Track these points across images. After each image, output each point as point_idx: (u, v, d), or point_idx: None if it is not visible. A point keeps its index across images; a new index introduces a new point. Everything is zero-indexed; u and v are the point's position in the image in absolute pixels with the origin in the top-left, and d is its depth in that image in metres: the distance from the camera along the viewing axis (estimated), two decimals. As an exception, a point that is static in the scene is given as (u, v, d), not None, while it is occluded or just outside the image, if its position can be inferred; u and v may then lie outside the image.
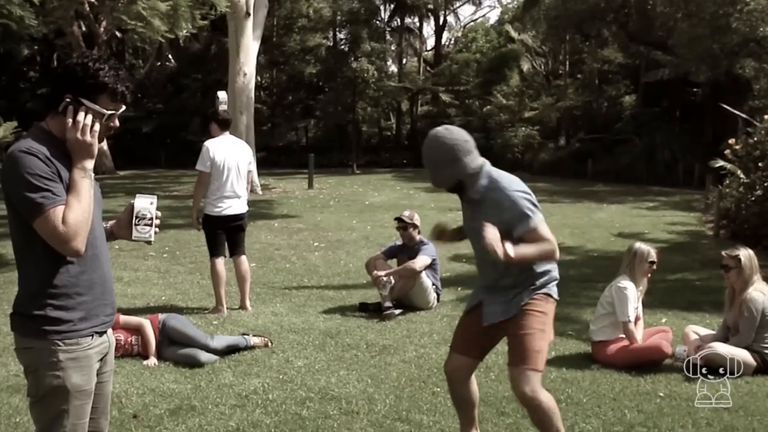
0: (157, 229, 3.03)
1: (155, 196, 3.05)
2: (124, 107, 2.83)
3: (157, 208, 3.04)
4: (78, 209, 2.63)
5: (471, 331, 4.08)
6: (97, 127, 2.71)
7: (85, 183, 2.68)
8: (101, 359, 2.92)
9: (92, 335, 2.82)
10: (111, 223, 3.07)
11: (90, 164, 2.72)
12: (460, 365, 4.11)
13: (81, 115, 2.68)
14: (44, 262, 2.70)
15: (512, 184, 3.78)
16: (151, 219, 2.99)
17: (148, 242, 3.05)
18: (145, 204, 2.99)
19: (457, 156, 3.70)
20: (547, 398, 3.80)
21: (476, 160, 3.77)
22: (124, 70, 2.83)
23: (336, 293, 8.88)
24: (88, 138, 2.68)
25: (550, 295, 3.93)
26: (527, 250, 3.65)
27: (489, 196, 3.77)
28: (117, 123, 2.83)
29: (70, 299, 2.74)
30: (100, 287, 2.85)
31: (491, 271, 3.91)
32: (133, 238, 3.00)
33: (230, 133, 7.95)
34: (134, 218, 2.98)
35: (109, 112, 2.76)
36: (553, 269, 3.97)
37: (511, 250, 3.55)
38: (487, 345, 4.17)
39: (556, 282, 3.99)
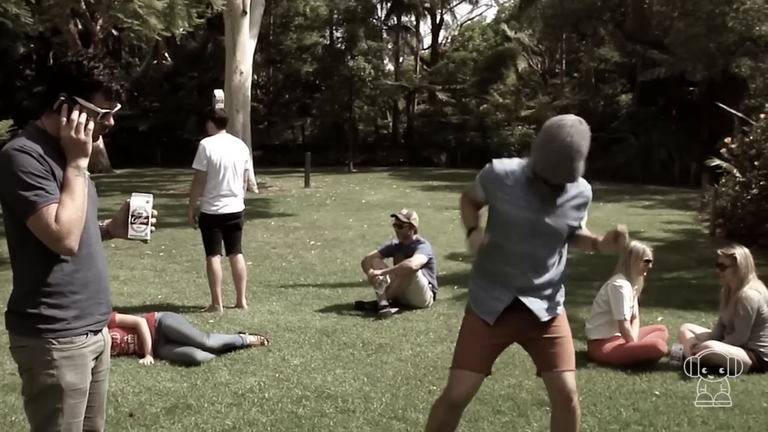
0: (153, 228, 3.03)
1: (151, 195, 3.06)
2: (119, 106, 2.84)
3: (154, 207, 3.04)
4: (71, 208, 2.63)
5: (495, 345, 3.74)
6: (91, 125, 2.72)
7: (79, 181, 2.69)
8: (96, 358, 2.93)
9: (87, 334, 2.83)
10: (107, 221, 3.07)
11: (84, 163, 2.72)
12: (475, 386, 3.74)
13: (75, 114, 2.68)
14: (38, 260, 2.70)
15: None
16: (147, 217, 2.99)
17: (144, 241, 3.05)
18: (141, 203, 2.99)
19: None
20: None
21: None
22: (119, 69, 2.83)
23: (332, 292, 8.88)
24: (82, 136, 2.69)
25: None
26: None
27: (580, 188, 3.68)
28: (112, 122, 2.84)
29: (65, 297, 2.75)
30: (95, 285, 2.85)
31: (539, 266, 3.65)
32: (129, 236, 3.00)
33: (227, 132, 7.96)
34: (130, 217, 2.98)
35: (104, 110, 2.76)
36: None
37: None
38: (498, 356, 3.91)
39: None
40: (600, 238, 3.63)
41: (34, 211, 2.59)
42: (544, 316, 3.67)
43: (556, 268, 3.72)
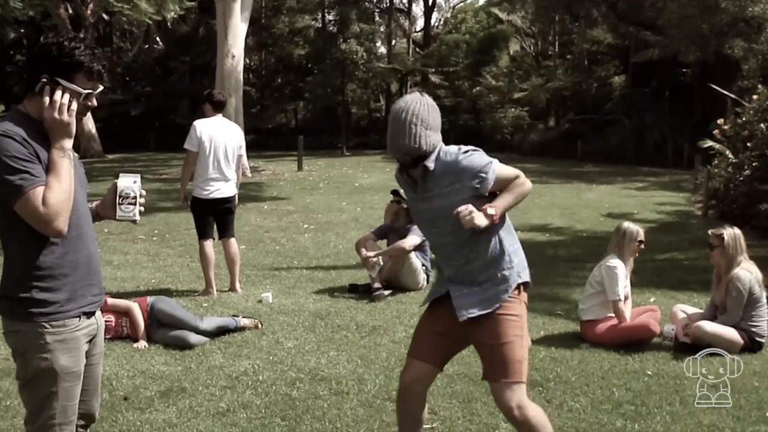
0: (142, 208, 3.00)
1: (138, 175, 3.03)
2: (102, 87, 2.82)
3: (147, 191, 3.02)
4: (58, 189, 2.62)
5: (435, 333, 3.59)
6: (74, 105, 2.70)
7: (65, 162, 2.67)
8: (90, 341, 2.93)
9: (79, 316, 2.83)
10: (96, 203, 3.06)
11: (68, 143, 2.70)
12: (421, 375, 3.60)
13: (57, 95, 2.66)
14: (28, 244, 2.70)
15: (457, 147, 3.43)
16: (135, 198, 2.97)
17: (134, 221, 3.02)
18: (129, 183, 2.97)
19: (438, 123, 3.40)
20: (535, 411, 3.41)
21: None
22: (100, 50, 2.81)
23: (326, 275, 8.89)
24: (65, 117, 2.67)
25: (521, 287, 3.49)
26: (505, 200, 3.37)
27: (443, 164, 3.36)
28: (95, 102, 2.82)
29: (56, 280, 2.75)
30: (85, 267, 2.85)
31: (455, 255, 3.47)
32: (117, 217, 2.98)
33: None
34: (118, 197, 2.96)
35: (86, 91, 2.74)
36: (519, 248, 3.57)
37: (491, 209, 3.28)
38: (450, 351, 3.69)
39: (525, 264, 3.58)
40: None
41: (20, 195, 2.58)
42: (463, 315, 3.42)
43: (478, 257, 3.44)
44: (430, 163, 3.38)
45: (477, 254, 3.44)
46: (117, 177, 3.00)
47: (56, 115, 2.65)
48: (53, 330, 2.74)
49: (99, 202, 3.06)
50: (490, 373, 3.45)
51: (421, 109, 3.33)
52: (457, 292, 3.48)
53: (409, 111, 3.33)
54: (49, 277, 2.73)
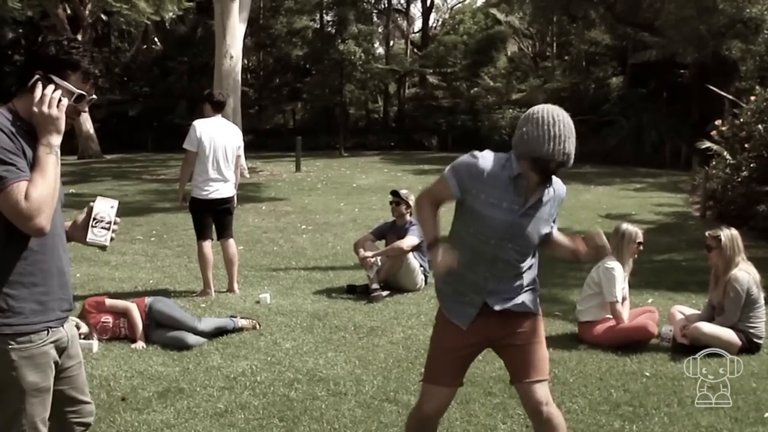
0: (113, 235, 2.91)
1: (117, 201, 2.95)
2: (94, 97, 2.78)
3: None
4: (42, 186, 2.55)
5: (460, 356, 3.53)
6: (65, 101, 2.65)
7: (51, 159, 2.60)
8: (62, 353, 2.84)
9: (47, 330, 2.73)
10: (67, 223, 2.94)
11: (56, 140, 2.63)
12: (446, 402, 3.57)
13: (49, 89, 2.62)
14: (3, 249, 2.61)
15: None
16: (110, 223, 2.89)
17: (103, 247, 2.93)
18: (105, 207, 2.90)
19: None
20: (557, 410, 3.50)
21: None
22: (98, 54, 2.78)
23: (323, 275, 8.89)
24: (54, 111, 2.61)
25: None
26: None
27: (557, 191, 3.45)
28: (86, 108, 2.78)
29: (24, 288, 2.65)
30: (57, 279, 2.76)
31: (513, 269, 3.43)
32: (87, 240, 2.88)
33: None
34: (92, 220, 2.88)
35: (79, 92, 2.70)
36: None
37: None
38: (471, 362, 3.65)
39: None
40: (580, 247, 3.52)
41: (3, 187, 2.49)
42: (523, 308, 3.47)
43: (529, 272, 3.50)
44: (548, 185, 3.39)
45: (525, 271, 3.49)
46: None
47: (45, 108, 2.59)
48: (18, 347, 2.64)
49: (70, 223, 2.95)
50: (524, 372, 3.46)
51: (571, 126, 3.30)
52: (498, 304, 3.44)
53: (571, 122, 3.29)
54: (18, 283, 2.64)
